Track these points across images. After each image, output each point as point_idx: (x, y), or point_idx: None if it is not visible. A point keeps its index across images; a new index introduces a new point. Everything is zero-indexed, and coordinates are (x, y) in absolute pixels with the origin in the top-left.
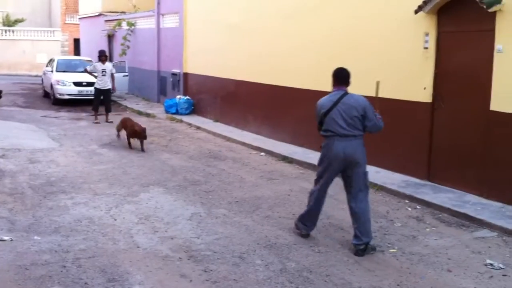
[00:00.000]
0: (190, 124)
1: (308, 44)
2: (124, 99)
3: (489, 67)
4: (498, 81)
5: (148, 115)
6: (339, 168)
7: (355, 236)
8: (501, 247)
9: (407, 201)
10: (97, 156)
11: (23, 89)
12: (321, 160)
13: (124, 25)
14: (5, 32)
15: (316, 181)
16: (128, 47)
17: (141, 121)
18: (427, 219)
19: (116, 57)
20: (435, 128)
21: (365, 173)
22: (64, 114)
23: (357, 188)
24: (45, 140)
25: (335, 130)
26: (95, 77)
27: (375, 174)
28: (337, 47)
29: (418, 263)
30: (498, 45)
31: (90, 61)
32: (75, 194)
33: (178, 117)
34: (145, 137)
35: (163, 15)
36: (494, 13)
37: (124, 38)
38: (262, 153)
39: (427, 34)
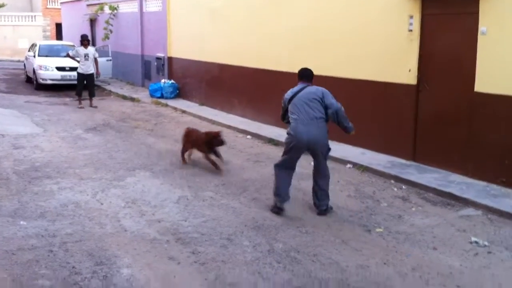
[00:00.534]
0: (175, 108)
1: (292, 27)
2: (108, 84)
3: (473, 49)
4: (482, 63)
5: (132, 99)
6: (302, 149)
7: (318, 199)
8: (485, 225)
9: (393, 181)
10: (82, 141)
11: (5, 74)
12: (287, 141)
13: (107, 9)
14: None
15: (283, 160)
16: (111, 31)
17: (126, 106)
18: (412, 198)
19: (99, 42)
20: (420, 110)
21: (328, 149)
22: (47, 99)
23: (320, 161)
24: (29, 125)
25: (298, 114)
26: (78, 61)
27: (361, 155)
28: (321, 30)
29: (404, 242)
30: (482, 27)
31: (73, 45)
32: (60, 179)
33: (163, 101)
34: (222, 142)
35: None
36: None
37: (107, 22)
38: (248, 136)
39: (411, 17)
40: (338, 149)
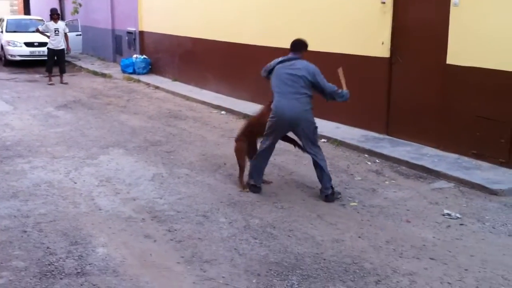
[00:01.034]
0: (148, 84)
1: (266, 1)
2: (79, 59)
3: (446, 21)
4: (454, 35)
5: (104, 75)
6: (284, 128)
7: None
8: (457, 197)
9: (366, 155)
10: (53, 118)
11: None
12: (269, 122)
13: None
14: None
15: (266, 147)
16: (80, 5)
17: (98, 82)
18: (386, 172)
19: (68, 16)
20: (393, 83)
21: (315, 128)
22: (16, 76)
23: (307, 141)
24: None
25: (280, 87)
26: (48, 37)
27: (335, 129)
28: (295, 3)
29: (378, 215)
30: None
31: (42, 20)
32: (32, 158)
33: (135, 77)
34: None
35: None
36: None
37: None
38: (223, 112)
39: None
40: None
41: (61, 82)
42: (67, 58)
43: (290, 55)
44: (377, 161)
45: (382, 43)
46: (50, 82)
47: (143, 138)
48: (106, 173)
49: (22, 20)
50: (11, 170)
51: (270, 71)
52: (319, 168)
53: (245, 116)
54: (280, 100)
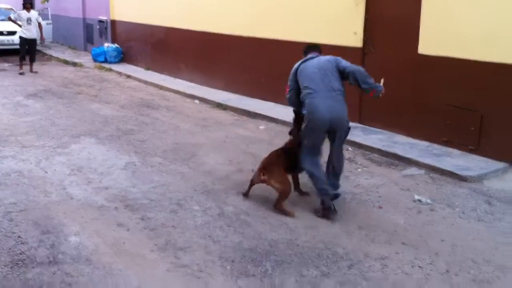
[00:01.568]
0: (120, 73)
1: None
2: (49, 48)
3: (417, 11)
4: (426, 24)
5: (75, 64)
6: (324, 130)
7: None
8: (428, 183)
9: None
10: (23, 107)
11: None
12: (304, 125)
13: None
14: None
15: (308, 150)
16: None
17: (68, 71)
18: (358, 159)
19: (38, 4)
20: None
21: (348, 129)
22: None
23: (338, 144)
24: None
25: (313, 85)
26: (20, 26)
27: None
28: None
29: (350, 202)
30: None
31: (11, 9)
32: (1, 147)
33: (107, 65)
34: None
35: None
36: None
37: None
38: (196, 101)
39: None
40: (286, 112)
41: (31, 71)
42: (37, 47)
43: (309, 55)
44: (349, 149)
45: (355, 33)
46: (21, 71)
47: (115, 127)
48: (77, 162)
49: None
50: None
51: (296, 88)
52: (335, 171)
53: (218, 105)
54: (317, 99)
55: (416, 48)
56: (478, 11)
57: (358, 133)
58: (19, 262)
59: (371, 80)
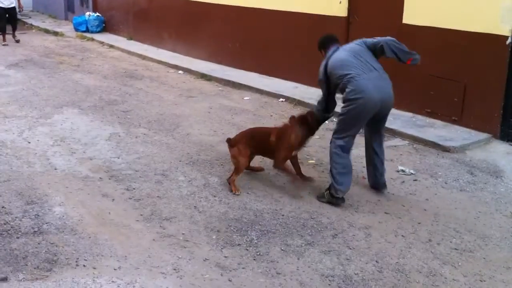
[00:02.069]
0: (102, 43)
1: None
2: (29, 17)
3: None
4: None
5: (56, 33)
6: (370, 113)
7: (380, 172)
8: (412, 154)
9: None
10: (4, 78)
11: None
12: (347, 110)
13: None
14: None
15: (347, 140)
16: None
17: (49, 40)
18: None
19: None
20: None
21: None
22: None
23: (382, 128)
24: None
25: (354, 69)
26: None
27: (294, 89)
28: None
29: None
30: None
31: None
32: None
33: (88, 35)
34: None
35: None
36: None
37: None
38: (180, 71)
39: None
40: (270, 83)
41: (14, 39)
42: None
43: (331, 50)
44: (334, 119)
45: (340, 2)
46: (4, 43)
47: (98, 98)
48: (60, 133)
49: None
50: None
51: (328, 85)
52: (380, 161)
53: (202, 75)
54: (362, 80)
55: (401, 17)
56: None
57: (340, 104)
58: (3, 233)
59: (414, 55)
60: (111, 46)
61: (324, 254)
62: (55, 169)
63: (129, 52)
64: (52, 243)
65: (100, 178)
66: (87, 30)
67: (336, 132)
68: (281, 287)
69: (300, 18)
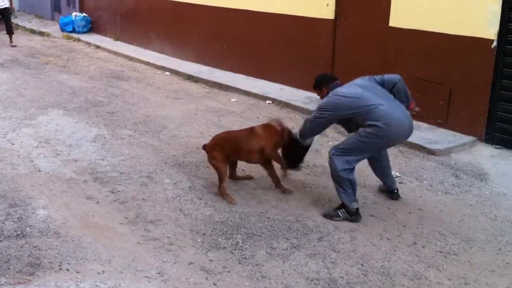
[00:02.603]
0: (88, 43)
1: None
2: (15, 17)
3: None
4: None
5: (42, 33)
6: (396, 142)
7: (391, 181)
8: (397, 157)
9: None
10: None
11: None
12: (370, 137)
13: None
14: None
15: (355, 161)
16: None
17: (35, 40)
18: (329, 133)
19: None
20: (337, 45)
21: None
22: None
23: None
24: None
25: (376, 99)
26: None
27: (280, 91)
28: None
29: (321, 175)
30: None
31: None
32: None
33: (75, 35)
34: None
35: None
36: None
37: None
38: (167, 73)
39: None
40: (257, 85)
41: (10, 45)
42: None
43: (334, 84)
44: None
45: (327, 5)
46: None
47: (84, 99)
48: (45, 134)
49: None
50: None
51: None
52: (388, 171)
53: (189, 77)
54: (388, 109)
55: (387, 20)
56: None
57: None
58: None
59: (410, 98)
60: (98, 47)
61: (310, 257)
62: (39, 171)
63: (115, 53)
64: (35, 247)
65: (84, 180)
66: (73, 31)
67: (348, 153)
68: None
69: (287, 20)
